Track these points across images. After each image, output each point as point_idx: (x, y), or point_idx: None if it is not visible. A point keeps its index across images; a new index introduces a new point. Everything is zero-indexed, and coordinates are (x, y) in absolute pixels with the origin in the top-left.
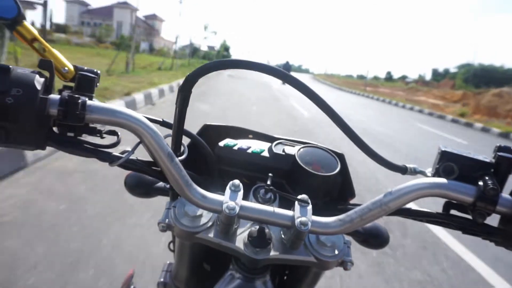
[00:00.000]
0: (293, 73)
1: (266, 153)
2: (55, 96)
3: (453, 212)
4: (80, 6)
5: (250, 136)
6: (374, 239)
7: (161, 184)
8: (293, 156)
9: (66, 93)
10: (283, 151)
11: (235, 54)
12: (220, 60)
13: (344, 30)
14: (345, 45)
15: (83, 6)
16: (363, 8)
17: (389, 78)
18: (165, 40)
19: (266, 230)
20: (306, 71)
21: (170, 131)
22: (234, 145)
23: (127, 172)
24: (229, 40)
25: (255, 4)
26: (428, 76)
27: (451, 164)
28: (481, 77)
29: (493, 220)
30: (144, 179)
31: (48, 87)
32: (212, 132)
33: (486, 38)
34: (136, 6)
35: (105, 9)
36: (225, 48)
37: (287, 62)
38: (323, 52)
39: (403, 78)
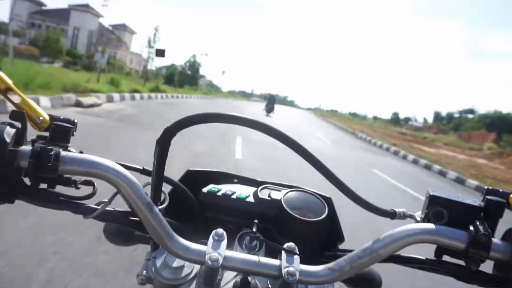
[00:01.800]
0: (282, 106)
1: (251, 198)
2: (26, 148)
3: (445, 258)
4: (30, 4)
5: (236, 180)
6: (366, 283)
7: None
8: (279, 201)
9: (38, 145)
10: (269, 195)
11: (207, 74)
12: (203, 113)
13: (336, 64)
14: (334, 80)
15: (37, 5)
16: (357, 44)
17: (395, 119)
18: (135, 55)
19: (252, 281)
20: (291, 103)
21: (150, 179)
22: (218, 191)
23: None
24: (201, 58)
25: (239, 26)
26: (429, 119)
27: (440, 209)
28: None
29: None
30: (123, 227)
31: (19, 138)
32: (195, 178)
33: (483, 85)
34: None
35: (62, 11)
36: (191, 65)
37: (271, 95)
38: (311, 85)
39: (407, 120)
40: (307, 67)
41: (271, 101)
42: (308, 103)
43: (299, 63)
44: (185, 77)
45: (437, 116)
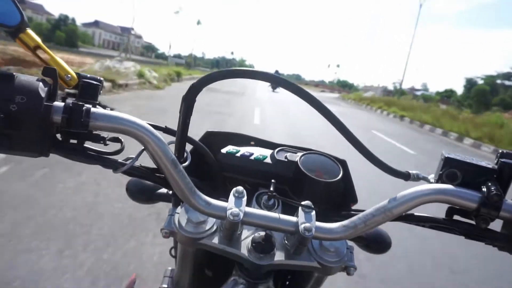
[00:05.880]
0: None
1: (268, 160)
2: (59, 104)
3: (456, 217)
4: None
5: (252, 142)
6: (376, 244)
7: (163, 190)
8: (296, 162)
9: (70, 101)
10: (286, 157)
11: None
12: (226, 69)
13: (295, 28)
14: (293, 44)
15: None
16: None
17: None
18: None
19: (270, 236)
20: (251, 68)
21: (172, 138)
22: (237, 152)
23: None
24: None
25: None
26: (459, 90)
27: (454, 170)
28: None
29: (495, 225)
30: (146, 185)
31: (52, 94)
32: (214, 139)
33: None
34: None
35: None
36: None
37: (277, 72)
38: (270, 49)
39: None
40: (264, 29)
41: None
42: (268, 68)
43: (255, 24)
44: None
45: (471, 85)
